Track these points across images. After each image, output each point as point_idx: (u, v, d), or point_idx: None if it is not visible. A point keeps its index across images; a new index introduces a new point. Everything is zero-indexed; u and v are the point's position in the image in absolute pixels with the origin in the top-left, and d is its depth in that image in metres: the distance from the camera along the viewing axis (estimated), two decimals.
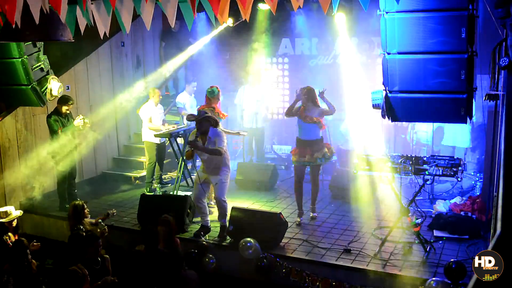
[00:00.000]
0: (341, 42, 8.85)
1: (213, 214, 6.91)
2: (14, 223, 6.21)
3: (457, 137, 8.21)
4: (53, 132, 7.26)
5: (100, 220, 6.13)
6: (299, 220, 6.90)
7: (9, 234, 6.15)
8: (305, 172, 6.97)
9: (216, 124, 6.27)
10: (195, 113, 9.10)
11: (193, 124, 6.63)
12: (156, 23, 10.42)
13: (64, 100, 7.24)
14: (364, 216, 6.85)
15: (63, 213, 7.51)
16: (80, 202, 6.21)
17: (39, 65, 6.53)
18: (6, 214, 6.15)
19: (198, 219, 6.71)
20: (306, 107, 6.82)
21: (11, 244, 5.98)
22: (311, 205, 7.13)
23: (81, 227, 5.91)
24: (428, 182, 5.74)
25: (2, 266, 5.32)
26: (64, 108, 7.29)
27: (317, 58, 10.13)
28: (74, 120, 7.30)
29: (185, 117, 9.00)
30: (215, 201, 6.42)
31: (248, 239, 5.81)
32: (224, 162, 6.34)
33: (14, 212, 6.24)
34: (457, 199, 7.06)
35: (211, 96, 7.45)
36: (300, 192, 6.98)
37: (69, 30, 4.85)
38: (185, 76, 10.97)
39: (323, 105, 6.85)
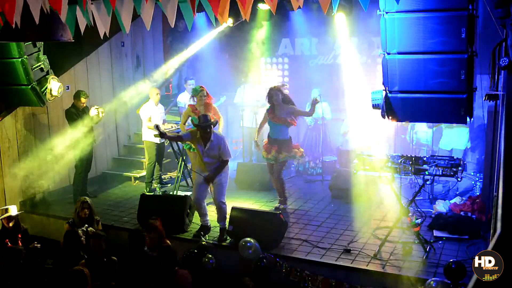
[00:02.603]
0: (341, 42, 8.85)
1: (213, 215, 6.91)
2: (12, 223, 6.20)
3: (454, 139, 8.20)
4: (72, 123, 7.57)
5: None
6: (278, 205, 7.32)
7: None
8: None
9: (214, 125, 6.31)
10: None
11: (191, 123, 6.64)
12: (156, 23, 10.41)
13: (78, 94, 7.66)
14: (364, 216, 6.85)
15: (63, 212, 7.53)
16: (81, 199, 6.29)
17: (39, 65, 6.53)
18: (5, 211, 6.16)
19: (198, 220, 6.71)
20: (275, 107, 7.06)
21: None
22: (279, 198, 7.39)
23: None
24: (428, 182, 5.74)
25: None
26: (79, 103, 7.65)
27: (317, 58, 10.14)
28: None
29: None
30: (214, 203, 6.40)
31: (248, 239, 5.81)
32: None
33: (13, 211, 6.24)
34: (457, 199, 7.06)
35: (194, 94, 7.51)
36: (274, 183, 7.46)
37: (69, 30, 4.84)
38: (186, 76, 10.97)
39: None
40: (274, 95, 7.03)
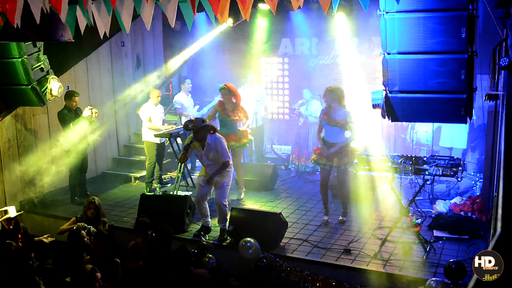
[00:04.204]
0: (341, 42, 8.85)
1: (214, 215, 6.91)
2: (12, 225, 6.21)
3: (454, 138, 8.21)
4: (65, 125, 7.51)
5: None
6: (326, 219, 6.81)
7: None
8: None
9: (214, 131, 6.23)
10: (194, 113, 9.18)
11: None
12: (156, 23, 10.42)
13: (70, 94, 7.58)
14: (364, 216, 6.85)
15: (63, 212, 7.53)
16: (89, 199, 6.33)
17: (39, 65, 6.53)
18: (4, 213, 6.17)
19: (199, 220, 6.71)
20: (330, 108, 6.58)
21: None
22: (343, 209, 6.88)
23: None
24: (428, 182, 5.74)
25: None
26: (72, 103, 7.58)
27: (317, 58, 10.14)
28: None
29: (183, 118, 9.02)
30: (216, 204, 6.40)
31: (248, 239, 5.81)
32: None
33: (12, 213, 6.24)
34: (457, 199, 7.05)
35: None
36: (326, 193, 6.85)
37: (69, 30, 4.84)
38: (185, 76, 10.99)
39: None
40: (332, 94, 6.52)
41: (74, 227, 5.97)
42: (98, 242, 5.37)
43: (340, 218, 6.84)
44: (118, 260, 5.38)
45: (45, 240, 6.14)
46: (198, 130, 6.08)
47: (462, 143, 8.23)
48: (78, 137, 7.59)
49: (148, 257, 5.54)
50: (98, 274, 4.60)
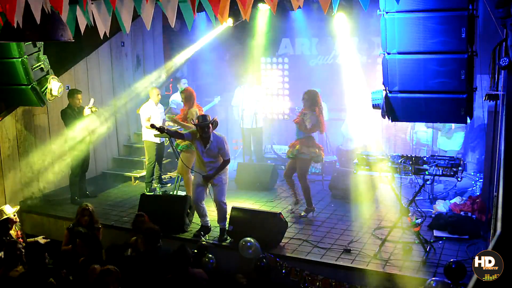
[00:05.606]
0: (341, 42, 8.85)
1: (213, 215, 6.91)
2: (16, 218, 6.26)
3: (449, 141, 8.19)
4: (68, 124, 7.58)
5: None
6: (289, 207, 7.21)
7: (10, 232, 6.17)
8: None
9: (216, 126, 6.28)
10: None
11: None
12: (156, 23, 10.42)
13: (72, 93, 7.66)
14: (364, 216, 6.86)
15: (63, 212, 7.53)
16: (82, 206, 6.25)
17: (39, 65, 6.53)
18: (1, 213, 6.18)
19: (198, 220, 6.71)
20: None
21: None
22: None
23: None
24: (428, 182, 5.74)
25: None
26: (75, 101, 7.64)
27: (317, 58, 10.14)
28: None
29: None
30: (215, 203, 6.39)
31: (248, 239, 5.81)
32: None
33: (8, 211, 6.25)
34: (457, 199, 7.06)
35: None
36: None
37: (69, 30, 4.84)
38: (181, 76, 10.97)
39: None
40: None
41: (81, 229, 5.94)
42: (80, 244, 5.36)
43: (302, 213, 7.04)
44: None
45: (40, 241, 6.12)
46: (207, 126, 6.07)
47: (456, 145, 8.20)
48: (81, 135, 7.66)
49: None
50: (110, 278, 4.57)
